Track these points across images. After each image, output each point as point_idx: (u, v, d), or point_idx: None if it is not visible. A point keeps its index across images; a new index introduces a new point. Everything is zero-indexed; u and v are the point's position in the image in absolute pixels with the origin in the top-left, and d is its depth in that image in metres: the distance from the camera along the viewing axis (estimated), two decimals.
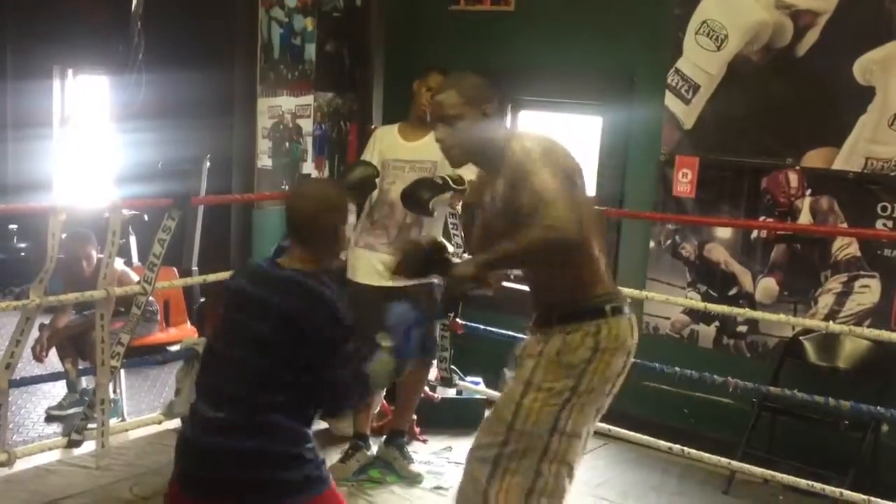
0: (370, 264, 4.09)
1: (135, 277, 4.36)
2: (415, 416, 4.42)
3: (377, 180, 4.05)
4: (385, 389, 4.34)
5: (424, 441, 4.49)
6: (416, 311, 2.56)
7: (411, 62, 4.52)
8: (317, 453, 2.41)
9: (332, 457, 4.10)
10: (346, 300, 2.52)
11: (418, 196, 3.94)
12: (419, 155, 4.10)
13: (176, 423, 4.06)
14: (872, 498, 3.58)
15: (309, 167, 5.16)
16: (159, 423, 4.14)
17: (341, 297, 2.43)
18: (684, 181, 4.71)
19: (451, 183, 4.01)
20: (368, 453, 4.13)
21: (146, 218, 5.62)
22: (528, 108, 5.42)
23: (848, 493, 3.66)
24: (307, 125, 5.12)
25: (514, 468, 2.52)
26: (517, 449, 2.52)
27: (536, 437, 2.50)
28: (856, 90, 4.23)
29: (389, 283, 3.99)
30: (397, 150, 4.13)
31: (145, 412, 4.81)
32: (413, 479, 4.06)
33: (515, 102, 5.39)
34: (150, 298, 4.28)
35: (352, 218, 2.58)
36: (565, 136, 5.17)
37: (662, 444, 3.98)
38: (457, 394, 4.80)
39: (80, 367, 4.66)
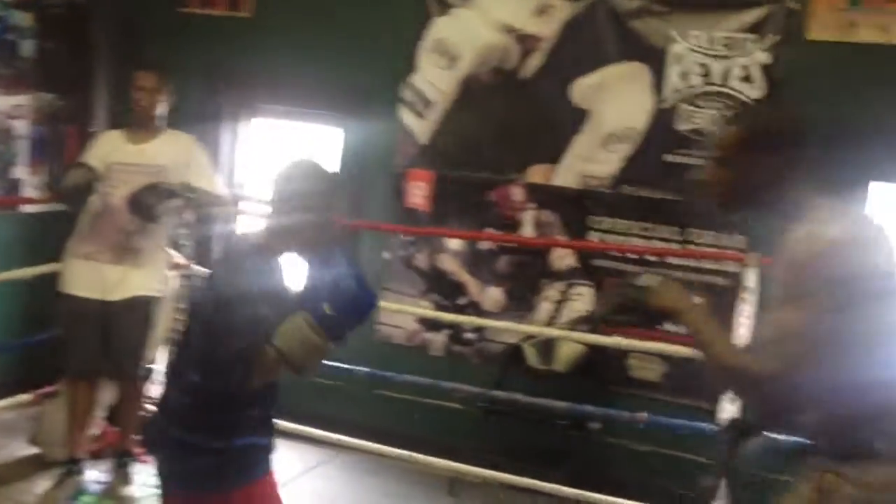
0: (90, 276, 3.86)
1: None
2: (137, 437, 4.19)
3: (98, 185, 3.84)
4: (100, 412, 4.10)
5: (147, 461, 4.27)
6: (333, 266, 2.23)
7: (141, 64, 4.30)
8: (228, 447, 2.23)
9: (44, 484, 3.81)
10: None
11: (144, 202, 3.79)
12: (145, 159, 3.93)
13: None
14: (585, 492, 3.82)
15: (22, 171, 4.78)
16: None
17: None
18: (418, 193, 4.82)
19: (180, 189, 3.87)
20: (82, 478, 3.87)
21: None
22: (265, 115, 5.35)
23: (563, 489, 3.88)
24: (23, 126, 4.75)
25: None
26: None
27: None
28: (573, 112, 4.53)
29: (112, 298, 3.83)
30: (122, 154, 3.94)
31: None
32: (127, 503, 3.85)
33: (252, 110, 5.31)
34: None
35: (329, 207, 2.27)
36: (308, 146, 5.28)
37: (390, 450, 4.03)
38: None
39: None
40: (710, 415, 3.58)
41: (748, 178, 1.99)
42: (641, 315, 2.06)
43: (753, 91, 4.21)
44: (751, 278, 3.61)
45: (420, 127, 4.83)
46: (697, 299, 1.99)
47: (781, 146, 1.97)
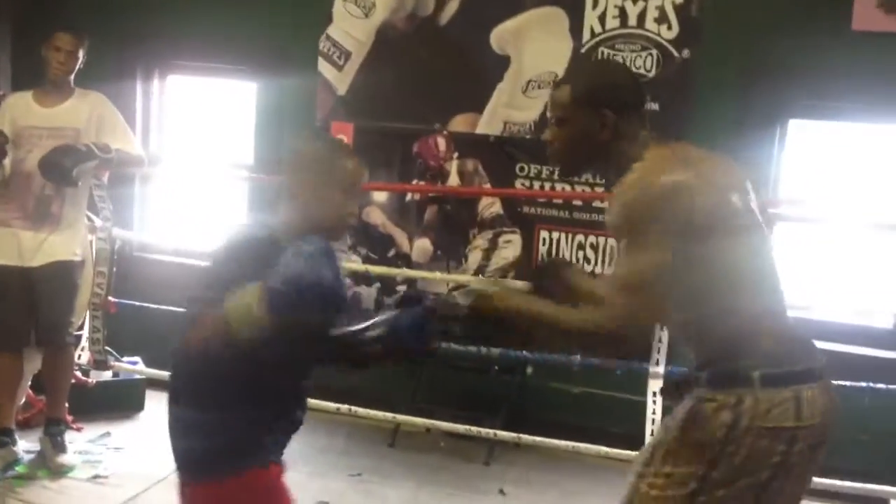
0: (7, 243, 3.76)
1: None
2: (66, 404, 4.10)
3: (9, 149, 3.70)
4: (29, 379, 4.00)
5: (79, 429, 4.20)
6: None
7: (48, 24, 4.10)
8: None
9: None
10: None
11: (59, 164, 3.67)
12: (58, 121, 3.82)
13: None
14: (523, 435, 3.90)
15: None
16: None
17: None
18: None
19: (95, 150, 3.76)
20: (14, 448, 3.79)
21: None
22: (178, 72, 5.20)
23: (501, 433, 3.95)
24: None
25: None
26: None
27: None
28: (493, 59, 4.52)
29: (32, 265, 3.72)
30: (32, 117, 3.81)
31: None
32: (61, 471, 3.78)
33: (164, 67, 5.16)
34: None
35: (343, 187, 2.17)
36: (222, 103, 5.17)
37: (330, 405, 4.03)
38: (113, 376, 4.55)
39: None
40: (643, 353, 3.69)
41: (583, 134, 2.01)
42: (474, 327, 2.04)
43: (668, 32, 4.27)
44: None
45: (338, 78, 4.76)
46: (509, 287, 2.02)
47: (610, 101, 1.99)
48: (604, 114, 1.98)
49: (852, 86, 4.00)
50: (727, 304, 1.90)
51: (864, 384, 3.57)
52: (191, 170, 5.22)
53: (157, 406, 4.58)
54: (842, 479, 3.48)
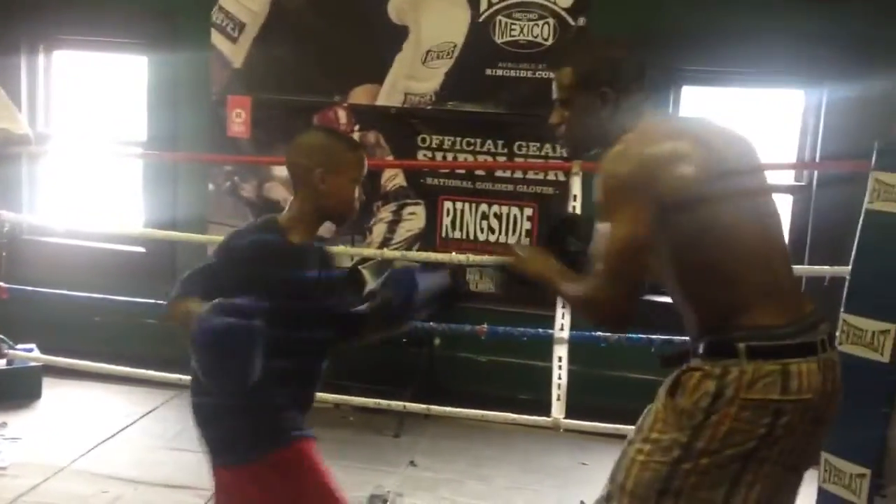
0: None
1: None
2: None
3: None
4: None
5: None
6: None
7: None
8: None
9: None
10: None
11: None
12: None
13: None
14: (432, 406, 3.91)
15: None
16: None
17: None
18: (238, 121, 4.67)
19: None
20: None
21: None
22: (65, 47, 5.00)
23: (410, 405, 3.96)
24: None
25: None
26: None
27: (642, 501, 1.94)
28: (391, 29, 4.48)
29: None
30: None
31: None
32: None
33: (50, 41, 4.95)
34: None
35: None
36: (112, 78, 4.99)
37: None
38: (7, 364, 4.39)
39: None
40: (547, 319, 3.73)
41: (587, 114, 2.03)
42: (519, 282, 2.18)
43: (564, 0, 4.30)
44: (576, 185, 3.75)
45: (233, 51, 4.66)
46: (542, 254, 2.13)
47: (611, 79, 2.00)
48: (605, 92, 2.00)
49: (745, 52, 4.09)
50: (719, 277, 1.89)
51: None
52: (81, 148, 5.03)
53: (54, 394, 4.45)
54: None
